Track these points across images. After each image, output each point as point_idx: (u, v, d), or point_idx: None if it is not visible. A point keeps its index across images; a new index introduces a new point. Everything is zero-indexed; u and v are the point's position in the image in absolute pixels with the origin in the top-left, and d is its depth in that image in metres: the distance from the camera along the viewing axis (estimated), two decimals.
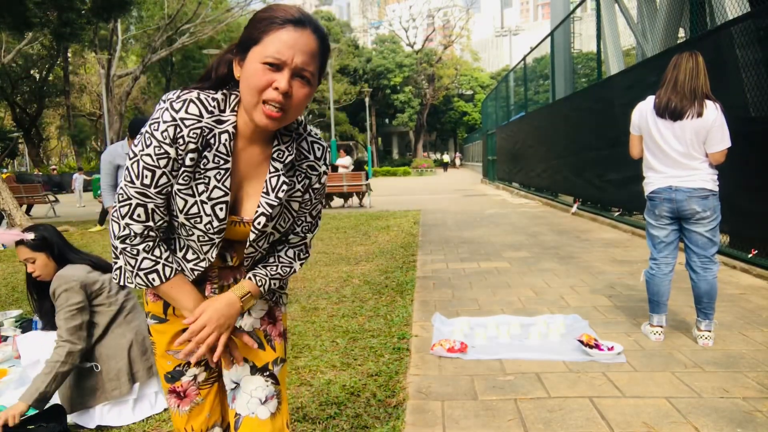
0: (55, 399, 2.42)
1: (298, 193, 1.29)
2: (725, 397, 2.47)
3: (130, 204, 1.15)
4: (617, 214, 8.67)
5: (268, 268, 1.32)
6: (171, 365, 1.37)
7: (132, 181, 1.14)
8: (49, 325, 2.56)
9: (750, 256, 5.04)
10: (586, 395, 2.54)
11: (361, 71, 47.52)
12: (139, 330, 2.57)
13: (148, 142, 1.11)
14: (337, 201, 14.64)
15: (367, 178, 13.71)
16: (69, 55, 34.23)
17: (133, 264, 1.18)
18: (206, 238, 1.22)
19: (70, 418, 2.44)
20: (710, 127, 3.01)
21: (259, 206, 1.23)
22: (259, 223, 1.24)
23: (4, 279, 5.92)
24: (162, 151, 1.11)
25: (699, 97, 3.02)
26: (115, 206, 1.17)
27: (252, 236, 1.25)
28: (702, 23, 6.48)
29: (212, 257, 1.26)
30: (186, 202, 1.17)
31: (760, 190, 4.86)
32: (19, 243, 2.45)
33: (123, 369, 2.47)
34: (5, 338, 3.40)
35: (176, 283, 1.23)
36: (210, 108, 1.14)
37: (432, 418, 2.37)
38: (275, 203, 1.23)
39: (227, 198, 1.19)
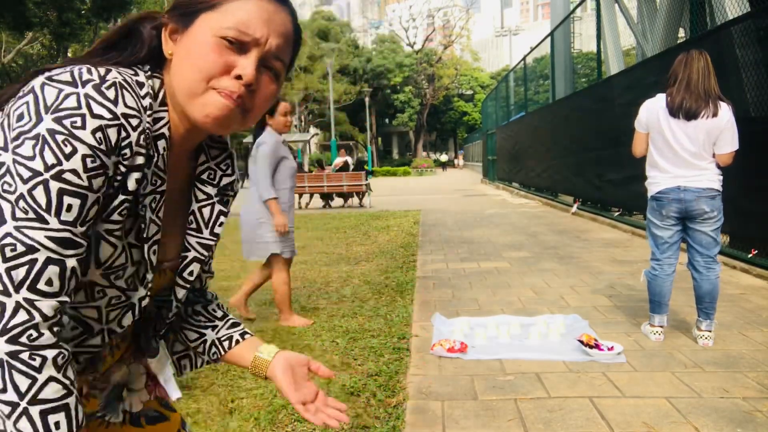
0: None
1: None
2: (725, 397, 2.47)
3: (33, 262, 0.64)
4: (617, 214, 8.67)
5: (212, 330, 1.02)
6: None
7: (35, 219, 0.65)
8: None
9: (750, 256, 5.04)
10: (586, 395, 2.54)
11: (361, 71, 47.52)
12: None
13: (67, 149, 0.66)
14: (337, 201, 14.64)
15: (367, 177, 13.71)
16: (69, 55, 34.25)
17: (23, 390, 0.62)
18: (122, 300, 0.81)
19: None
20: (723, 128, 3.02)
21: (189, 249, 0.90)
22: (191, 273, 0.91)
23: None
24: (98, 163, 0.68)
25: (713, 98, 3.03)
26: None
27: (180, 292, 0.91)
28: (702, 23, 6.48)
29: (122, 327, 0.83)
30: (115, 248, 0.75)
31: (760, 191, 4.86)
32: None
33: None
34: None
35: None
36: (143, 99, 0.75)
37: (432, 418, 2.37)
38: (212, 242, 0.91)
39: (159, 235, 0.82)
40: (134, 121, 0.72)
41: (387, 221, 9.91)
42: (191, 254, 0.90)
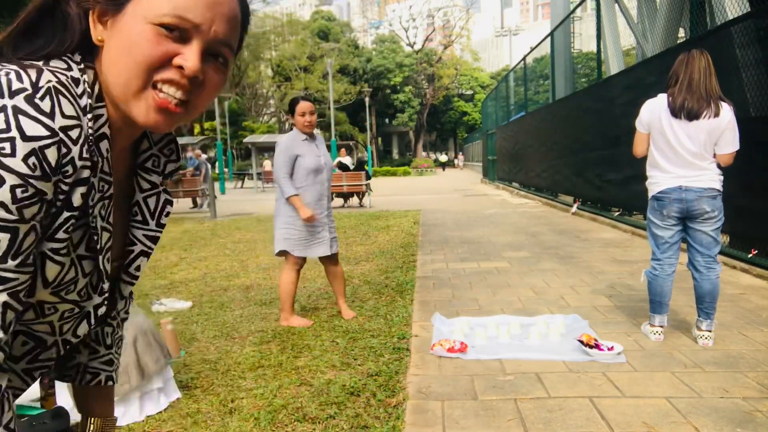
0: (68, 400, 2.44)
1: None
2: (725, 397, 2.47)
3: None
4: (617, 214, 8.67)
5: (111, 356, 0.93)
6: None
7: None
8: None
9: (750, 256, 5.04)
10: (586, 395, 2.54)
11: (361, 71, 47.52)
12: (141, 326, 2.59)
13: None
14: (337, 201, 14.64)
15: (368, 178, 13.71)
16: None
17: None
18: (75, 312, 0.76)
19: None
20: (724, 128, 3.03)
21: (135, 242, 0.83)
22: (137, 268, 0.85)
23: None
24: (31, 192, 0.60)
25: (714, 98, 3.04)
26: None
27: (126, 289, 0.86)
28: (702, 23, 6.48)
29: (77, 337, 0.79)
30: (62, 266, 0.69)
31: (760, 190, 4.86)
32: None
33: (131, 363, 2.49)
34: None
35: None
36: (81, 98, 0.67)
37: (432, 418, 2.37)
38: (159, 234, 0.86)
39: (111, 241, 0.76)
40: (74, 133, 0.63)
41: (387, 221, 9.91)
42: (137, 248, 0.84)
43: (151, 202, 0.84)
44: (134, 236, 0.84)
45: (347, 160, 14.56)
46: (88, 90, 0.68)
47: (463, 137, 56.01)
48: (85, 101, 0.67)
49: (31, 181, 0.60)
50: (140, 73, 0.67)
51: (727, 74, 5.26)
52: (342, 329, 3.63)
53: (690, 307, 3.87)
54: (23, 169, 0.59)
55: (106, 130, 0.70)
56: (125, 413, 2.48)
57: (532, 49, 15.40)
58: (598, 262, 5.62)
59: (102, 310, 0.80)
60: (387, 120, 54.83)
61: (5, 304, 0.62)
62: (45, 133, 0.60)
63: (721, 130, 3.03)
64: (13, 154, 0.58)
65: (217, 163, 26.08)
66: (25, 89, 0.60)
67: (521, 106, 17.30)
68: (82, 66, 0.70)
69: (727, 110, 3.04)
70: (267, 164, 28.18)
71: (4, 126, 0.57)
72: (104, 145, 0.70)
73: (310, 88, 43.86)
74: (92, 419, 0.93)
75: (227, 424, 2.37)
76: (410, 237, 7.85)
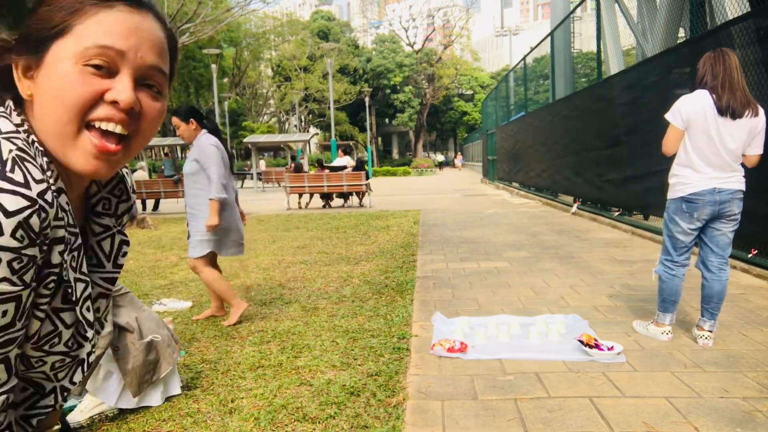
0: (117, 383, 2.49)
1: None
2: (725, 397, 2.47)
3: None
4: (617, 214, 8.67)
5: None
6: None
7: None
8: None
9: (750, 256, 5.04)
10: (586, 395, 2.54)
11: (361, 71, 47.53)
12: (156, 319, 2.69)
13: None
14: (337, 201, 14.64)
15: (367, 178, 13.71)
16: None
17: None
18: (66, 361, 0.77)
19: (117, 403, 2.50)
20: (761, 128, 3.02)
21: (90, 286, 0.80)
22: (98, 310, 0.85)
23: None
24: (25, 261, 0.63)
25: (750, 97, 3.02)
26: None
27: (89, 331, 0.83)
28: (702, 23, 6.48)
29: (74, 383, 0.82)
30: (42, 321, 0.71)
31: (760, 190, 4.86)
32: None
33: (168, 335, 2.64)
34: None
35: None
36: (38, 158, 0.67)
37: (432, 418, 2.37)
38: (116, 275, 0.86)
39: (89, 290, 0.78)
40: (48, 196, 0.64)
41: (387, 221, 9.91)
42: (95, 291, 0.83)
43: (106, 245, 0.83)
44: (92, 281, 0.82)
45: (343, 161, 14.54)
46: (38, 147, 0.67)
47: (463, 137, 56.01)
48: (41, 160, 0.66)
49: (23, 251, 0.62)
50: (73, 117, 0.66)
51: None
52: (342, 329, 3.63)
53: (690, 307, 3.87)
54: (14, 244, 0.60)
55: (61, 184, 0.70)
56: (151, 395, 2.57)
57: (532, 49, 15.40)
58: (598, 262, 5.62)
59: (93, 357, 0.81)
60: (387, 120, 54.86)
61: (14, 357, 0.67)
62: (25, 203, 0.61)
63: (758, 130, 3.01)
64: (1, 233, 0.59)
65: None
66: None
67: (521, 106, 17.30)
68: (19, 117, 0.69)
69: (762, 111, 3.02)
70: (263, 164, 28.19)
71: None
72: (63, 199, 0.70)
73: (310, 88, 43.86)
74: None
75: (227, 424, 2.37)
76: (410, 237, 7.86)
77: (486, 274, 5.26)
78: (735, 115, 2.98)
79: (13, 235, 0.60)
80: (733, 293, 4.24)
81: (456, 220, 9.84)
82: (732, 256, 5.27)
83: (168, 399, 2.64)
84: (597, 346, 3.03)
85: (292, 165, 21.53)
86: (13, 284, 0.62)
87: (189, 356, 3.25)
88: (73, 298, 0.73)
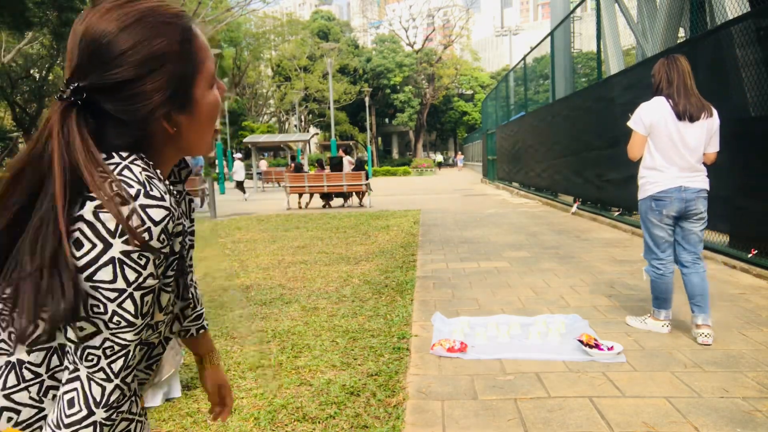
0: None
1: None
2: (725, 397, 2.47)
3: (126, 354, 0.78)
4: (617, 214, 8.67)
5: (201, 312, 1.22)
6: None
7: (129, 325, 0.77)
8: None
9: (750, 256, 5.03)
10: (586, 395, 2.54)
11: (361, 71, 47.53)
12: None
13: (142, 262, 0.75)
14: (337, 201, 14.64)
15: (367, 178, 13.72)
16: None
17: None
18: (171, 316, 0.94)
19: None
20: (717, 128, 3.22)
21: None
22: (191, 259, 1.05)
23: None
24: (163, 258, 0.79)
25: (702, 99, 3.22)
26: (94, 367, 0.78)
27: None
28: (702, 23, 6.48)
29: (173, 332, 1.01)
30: (171, 294, 0.87)
31: (760, 190, 4.86)
32: None
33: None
34: None
35: None
36: (155, 170, 0.83)
37: (432, 418, 2.37)
38: (194, 227, 1.06)
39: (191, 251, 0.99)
40: (174, 201, 0.80)
41: (387, 221, 9.91)
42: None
43: (184, 206, 1.00)
44: None
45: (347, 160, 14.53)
46: (147, 161, 0.83)
47: (463, 137, 56.01)
48: (154, 171, 0.82)
49: (163, 252, 0.78)
50: (215, 124, 0.88)
51: (726, 74, 5.26)
52: (342, 329, 3.63)
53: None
54: (158, 246, 0.76)
55: (166, 182, 0.84)
56: (153, 397, 2.56)
57: (532, 49, 15.40)
58: (598, 262, 5.62)
59: (188, 311, 1.08)
60: (387, 120, 54.84)
61: (145, 339, 0.85)
62: (165, 213, 0.77)
63: (714, 130, 3.21)
64: (151, 238, 0.75)
65: (216, 163, 26.06)
66: (139, 190, 0.76)
67: (521, 105, 17.30)
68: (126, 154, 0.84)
69: (715, 111, 3.23)
70: (264, 164, 28.16)
71: (140, 222, 0.74)
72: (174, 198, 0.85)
73: (310, 88, 43.86)
74: (206, 356, 1.19)
75: (227, 424, 2.37)
76: (410, 237, 7.85)
77: (486, 274, 5.26)
78: (692, 118, 3.18)
79: (158, 238, 0.76)
80: (733, 293, 4.24)
81: (456, 220, 9.84)
82: (732, 256, 5.28)
83: (168, 399, 2.64)
84: (597, 346, 3.03)
85: (292, 165, 21.53)
86: (155, 278, 0.77)
87: (189, 356, 3.25)
88: (186, 269, 0.90)
